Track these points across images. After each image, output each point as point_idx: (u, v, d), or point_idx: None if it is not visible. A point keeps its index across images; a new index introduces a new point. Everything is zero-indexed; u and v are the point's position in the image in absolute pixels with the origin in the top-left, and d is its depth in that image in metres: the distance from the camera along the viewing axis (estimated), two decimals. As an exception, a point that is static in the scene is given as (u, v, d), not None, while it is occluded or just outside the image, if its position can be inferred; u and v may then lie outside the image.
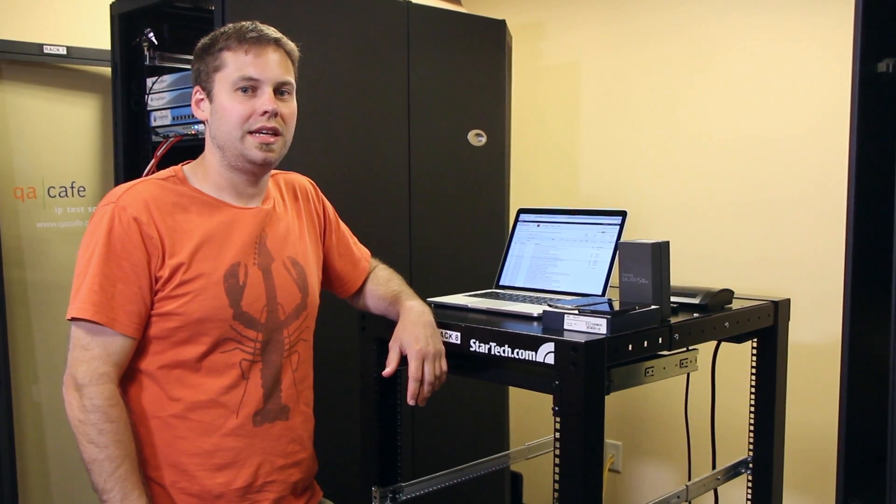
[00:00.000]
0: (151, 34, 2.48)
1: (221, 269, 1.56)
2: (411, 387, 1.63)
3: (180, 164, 1.67)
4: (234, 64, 1.56)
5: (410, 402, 1.64)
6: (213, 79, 1.58)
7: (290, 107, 1.63)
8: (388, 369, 1.67)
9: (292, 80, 1.63)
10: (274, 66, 1.58)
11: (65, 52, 2.83)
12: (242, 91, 1.56)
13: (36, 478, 2.90)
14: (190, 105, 1.67)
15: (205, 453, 1.57)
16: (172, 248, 1.52)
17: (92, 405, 1.46)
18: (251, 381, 1.60)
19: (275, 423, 1.64)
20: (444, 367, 1.67)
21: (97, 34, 2.70)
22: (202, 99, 1.62)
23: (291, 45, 1.64)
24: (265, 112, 1.56)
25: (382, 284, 1.86)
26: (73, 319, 1.49)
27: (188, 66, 2.41)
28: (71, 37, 2.87)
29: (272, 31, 1.61)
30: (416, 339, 1.64)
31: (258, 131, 1.57)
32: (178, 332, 1.54)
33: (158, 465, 1.56)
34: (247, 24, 1.59)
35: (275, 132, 1.58)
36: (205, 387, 1.56)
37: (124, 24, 2.48)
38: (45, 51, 2.81)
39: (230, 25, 1.60)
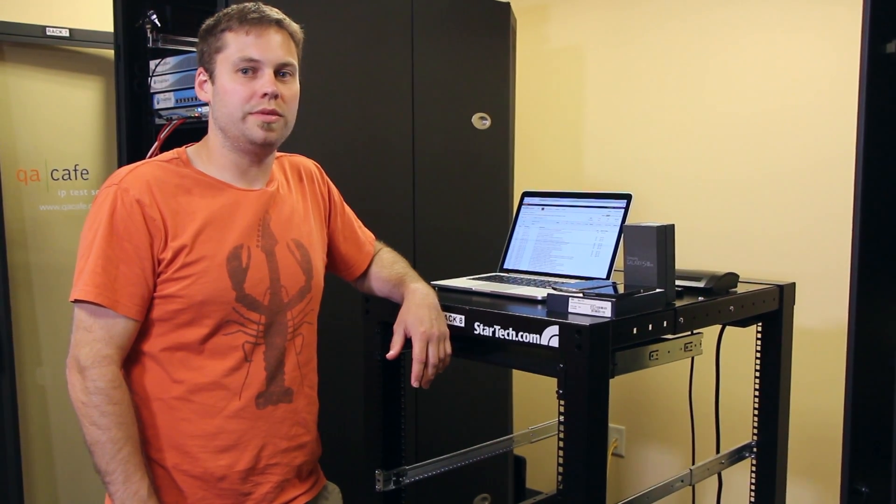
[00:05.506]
0: (154, 16, 2.46)
1: (224, 251, 1.56)
2: (415, 369, 1.63)
3: (184, 147, 1.66)
4: (235, 45, 1.55)
5: (414, 384, 1.64)
6: (215, 60, 1.57)
7: (291, 88, 1.61)
8: (392, 352, 1.67)
9: (294, 61, 1.62)
10: (275, 47, 1.57)
11: (67, 35, 2.83)
12: (243, 72, 1.55)
13: (40, 460, 2.92)
14: (193, 87, 1.66)
15: (207, 435, 1.57)
16: (175, 230, 1.52)
17: (94, 387, 1.46)
18: (254, 363, 1.60)
19: (278, 406, 1.64)
20: (449, 349, 1.67)
21: (100, 16, 2.69)
22: (205, 80, 1.61)
23: (294, 27, 1.63)
24: (265, 94, 1.55)
25: (387, 267, 1.85)
26: (75, 301, 1.49)
27: (191, 49, 2.42)
28: (73, 19, 2.86)
29: (274, 13, 1.59)
30: (421, 321, 1.64)
31: (258, 112, 1.56)
32: (181, 314, 1.53)
33: (161, 447, 1.56)
34: (249, 4, 1.58)
35: (275, 114, 1.57)
36: (207, 369, 1.56)
37: (127, 5, 2.46)
38: (48, 33, 2.80)
39: (233, 7, 1.59)
